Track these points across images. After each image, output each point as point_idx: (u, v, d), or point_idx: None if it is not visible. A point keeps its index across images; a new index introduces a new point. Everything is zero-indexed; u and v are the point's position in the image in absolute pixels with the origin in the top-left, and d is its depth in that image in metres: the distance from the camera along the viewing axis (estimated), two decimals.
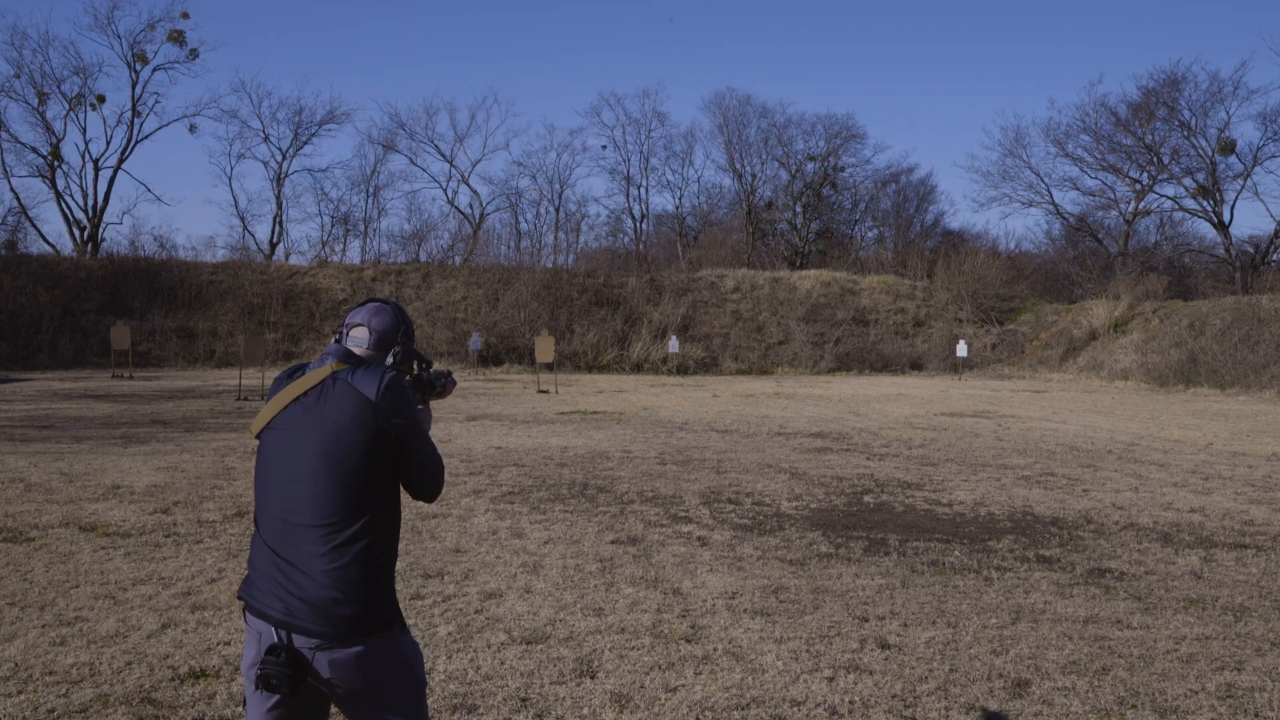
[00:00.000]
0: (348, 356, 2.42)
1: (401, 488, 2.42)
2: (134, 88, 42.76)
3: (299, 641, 2.21)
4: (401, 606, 4.72)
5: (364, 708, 2.27)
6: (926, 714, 3.87)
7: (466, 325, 33.62)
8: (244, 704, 2.33)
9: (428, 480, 2.41)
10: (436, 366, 2.95)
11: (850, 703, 3.97)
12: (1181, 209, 45.71)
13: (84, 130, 61.38)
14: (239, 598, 2.35)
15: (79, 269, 33.80)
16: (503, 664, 4.35)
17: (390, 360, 2.49)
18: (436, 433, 12.93)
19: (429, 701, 3.49)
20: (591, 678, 4.20)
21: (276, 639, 2.21)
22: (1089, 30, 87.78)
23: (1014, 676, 4.27)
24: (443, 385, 2.73)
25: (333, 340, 2.51)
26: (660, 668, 4.33)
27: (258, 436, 2.42)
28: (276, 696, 2.24)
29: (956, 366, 33.89)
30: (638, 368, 33.09)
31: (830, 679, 4.22)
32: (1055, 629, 4.95)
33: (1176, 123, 43.58)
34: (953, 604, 5.40)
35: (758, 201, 52.55)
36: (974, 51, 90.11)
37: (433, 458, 2.42)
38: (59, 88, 41.96)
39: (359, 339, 2.47)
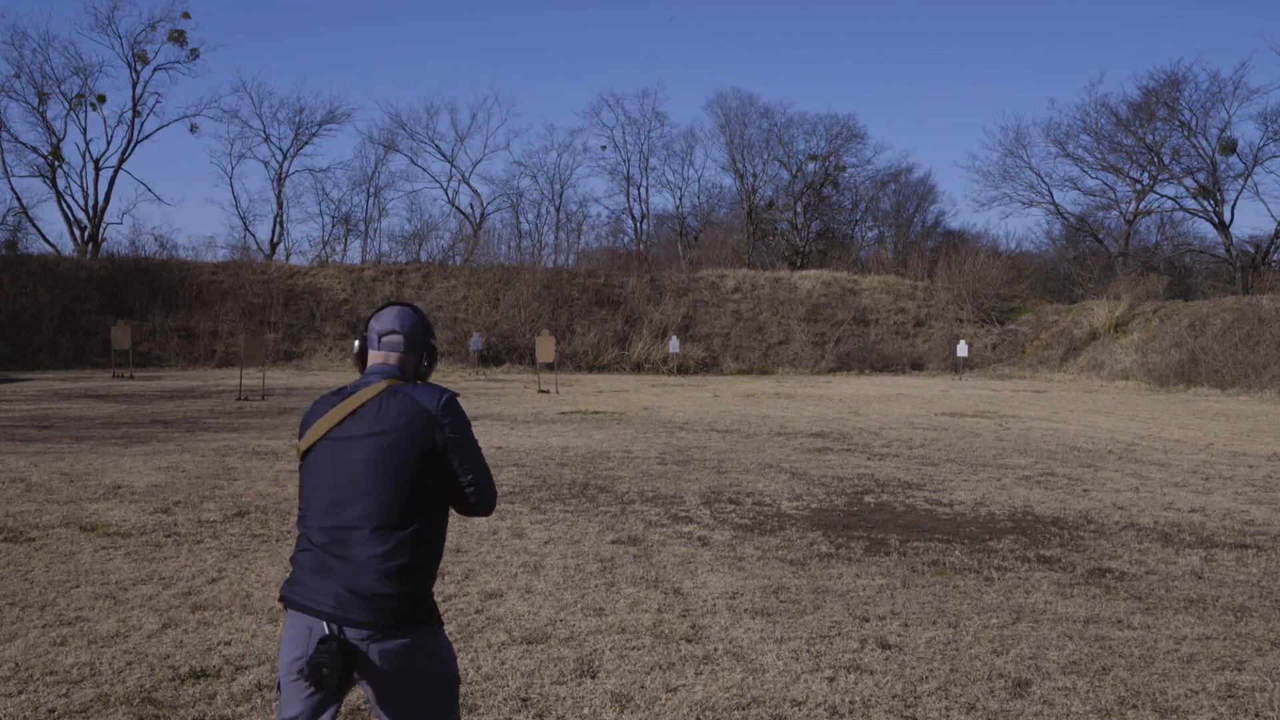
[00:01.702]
0: (396, 374, 2.56)
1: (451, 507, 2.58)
2: (134, 88, 42.81)
3: (350, 634, 2.32)
4: None
5: (404, 700, 2.37)
6: (927, 714, 3.87)
7: (467, 325, 33.62)
8: (277, 698, 2.47)
9: (483, 489, 2.52)
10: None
11: (851, 703, 3.97)
12: (1182, 209, 45.76)
13: (84, 130, 61.44)
14: (281, 598, 2.46)
15: (79, 269, 33.81)
16: (503, 664, 4.35)
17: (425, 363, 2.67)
18: None
19: None
20: (592, 678, 4.20)
21: (328, 631, 2.32)
22: (1089, 30, 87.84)
23: (1014, 676, 4.27)
24: None
25: (355, 343, 2.67)
26: (661, 668, 4.33)
27: (308, 450, 2.51)
28: (313, 691, 2.37)
29: (957, 366, 33.88)
30: (638, 368, 33.09)
31: (831, 679, 4.22)
32: (1056, 629, 4.95)
33: (1177, 123, 43.60)
34: (953, 604, 5.39)
35: (758, 201, 52.56)
36: (974, 51, 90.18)
37: (485, 472, 2.53)
38: (59, 87, 42.03)
39: (394, 344, 2.59)
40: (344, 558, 2.37)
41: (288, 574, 2.54)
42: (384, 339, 2.59)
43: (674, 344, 31.86)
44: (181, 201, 75.13)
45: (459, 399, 2.53)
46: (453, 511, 2.58)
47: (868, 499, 8.70)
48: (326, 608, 2.34)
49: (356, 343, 2.66)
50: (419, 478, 2.43)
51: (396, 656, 2.33)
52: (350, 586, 2.34)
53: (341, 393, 2.55)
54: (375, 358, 2.61)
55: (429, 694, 2.38)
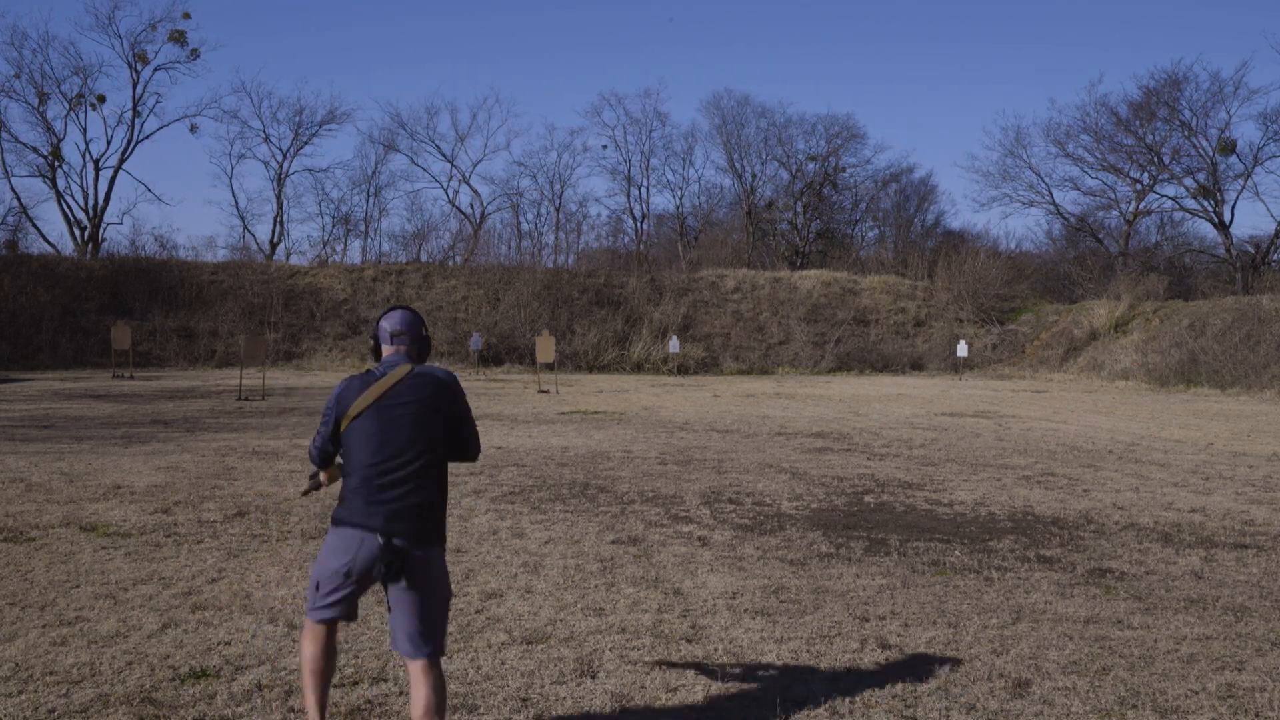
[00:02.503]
0: (406, 360, 3.49)
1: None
2: (134, 88, 42.80)
3: (397, 542, 3.20)
4: None
5: (423, 587, 3.25)
6: (927, 714, 3.87)
7: (467, 325, 33.62)
8: (311, 602, 3.36)
9: (474, 441, 3.53)
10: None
11: (851, 703, 3.97)
12: (1182, 209, 45.76)
13: (84, 130, 61.52)
14: (335, 519, 3.33)
15: (79, 269, 33.80)
16: (503, 664, 4.34)
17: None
18: None
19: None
20: (592, 678, 4.20)
21: (382, 540, 3.19)
22: (1089, 30, 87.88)
23: (1014, 676, 4.27)
24: None
25: (370, 340, 3.61)
26: (661, 668, 4.33)
27: (354, 417, 3.36)
28: (351, 587, 3.29)
29: (957, 366, 33.88)
30: (638, 368, 33.09)
31: (831, 679, 4.22)
32: (1056, 629, 4.95)
33: (1177, 123, 43.60)
34: (953, 604, 5.39)
35: (758, 201, 52.54)
36: (974, 51, 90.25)
37: (475, 426, 3.55)
38: (59, 88, 41.99)
39: (403, 340, 3.54)
40: (390, 490, 3.26)
41: (339, 503, 3.34)
42: (395, 337, 3.54)
43: (674, 344, 31.86)
44: (181, 201, 75.22)
45: (456, 377, 3.55)
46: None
47: (868, 499, 8.70)
48: (378, 524, 3.22)
49: (372, 340, 3.58)
50: (437, 431, 3.38)
51: (425, 559, 3.26)
52: (396, 510, 3.24)
53: (370, 376, 3.44)
54: (388, 350, 3.54)
55: (439, 587, 3.32)
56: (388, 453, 3.30)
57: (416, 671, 3.24)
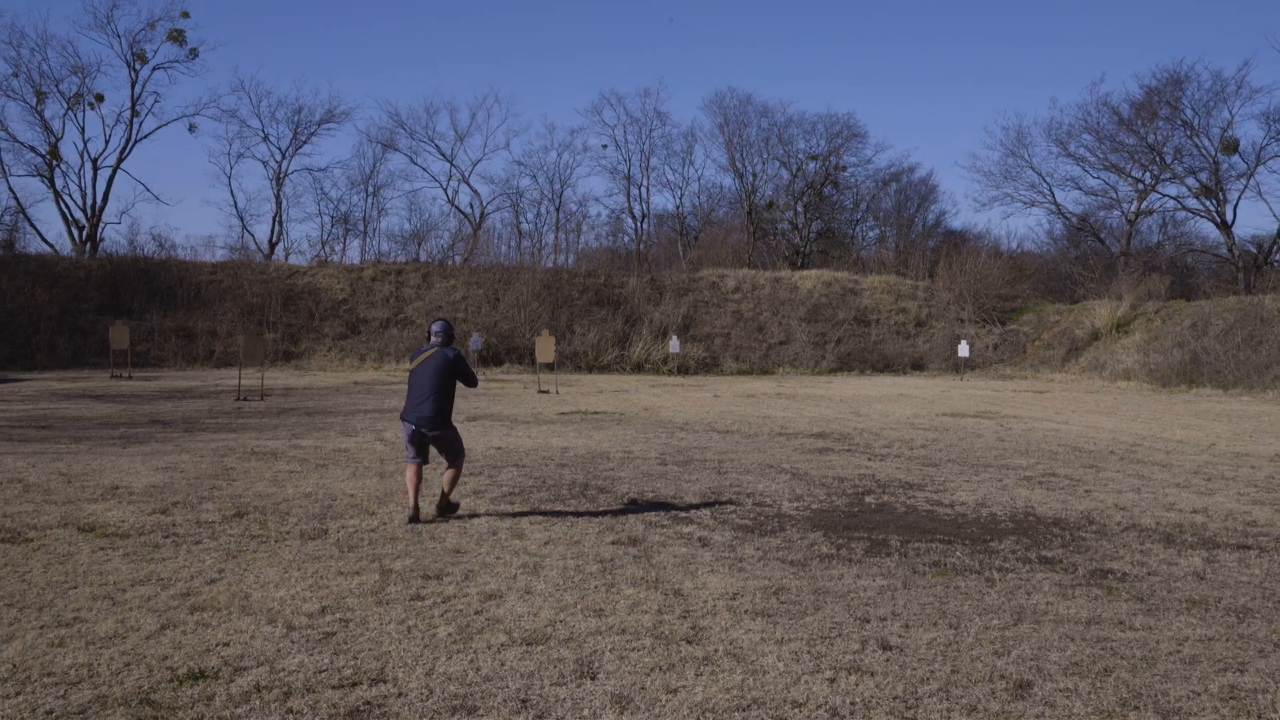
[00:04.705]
0: (440, 345, 7.55)
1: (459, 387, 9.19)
2: (133, 87, 42.66)
3: (424, 428, 7.40)
4: (401, 607, 5.10)
5: (443, 444, 7.51)
6: (928, 715, 3.85)
7: (466, 325, 33.59)
8: (407, 456, 7.47)
9: (472, 379, 7.67)
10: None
11: (851, 704, 3.95)
12: (1184, 209, 45.66)
13: (83, 129, 61.53)
14: (402, 417, 7.50)
15: (78, 269, 33.77)
16: (503, 665, 4.33)
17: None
18: None
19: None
20: (592, 679, 4.18)
21: (414, 427, 7.39)
22: (1091, 29, 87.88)
23: (1016, 678, 4.25)
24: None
25: (427, 335, 9.26)
26: (661, 669, 4.31)
27: (411, 372, 7.52)
28: (415, 446, 7.44)
29: (958, 367, 33.86)
30: (638, 368, 33.06)
31: (831, 680, 4.20)
32: (1057, 630, 4.93)
33: (1179, 122, 43.51)
34: (954, 605, 5.37)
35: (759, 201, 52.50)
36: (975, 51, 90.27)
37: (472, 371, 7.69)
38: (57, 87, 41.81)
39: (439, 335, 7.59)
40: (421, 405, 7.37)
41: (402, 407, 8.63)
42: (434, 334, 7.58)
43: (674, 344, 31.84)
44: (180, 201, 75.24)
45: (461, 352, 8.14)
46: None
47: (869, 499, 8.68)
48: (414, 420, 7.39)
49: (427, 334, 7.69)
50: (448, 378, 7.47)
51: (441, 434, 7.47)
52: (421, 416, 7.37)
53: (422, 350, 7.55)
54: (433, 339, 7.56)
55: (452, 441, 7.56)
56: (420, 388, 7.36)
57: (449, 471, 7.51)
